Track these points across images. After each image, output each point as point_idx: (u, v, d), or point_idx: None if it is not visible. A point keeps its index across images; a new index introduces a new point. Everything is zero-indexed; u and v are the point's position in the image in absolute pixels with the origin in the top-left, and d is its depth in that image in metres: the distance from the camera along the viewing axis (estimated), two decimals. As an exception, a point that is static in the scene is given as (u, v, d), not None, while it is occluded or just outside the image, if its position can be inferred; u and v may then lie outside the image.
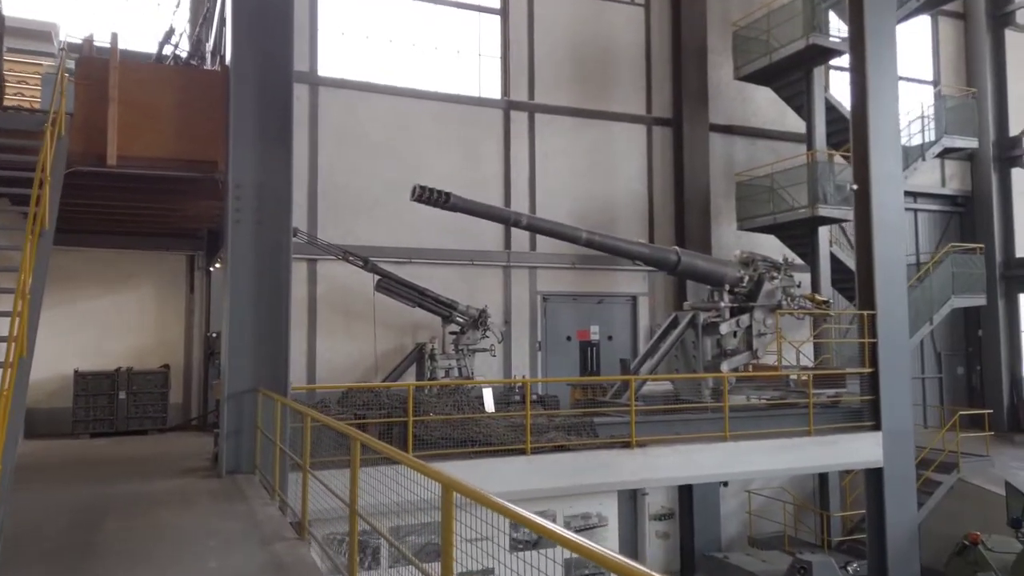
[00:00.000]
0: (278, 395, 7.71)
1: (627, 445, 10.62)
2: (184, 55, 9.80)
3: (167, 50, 9.87)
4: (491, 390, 12.92)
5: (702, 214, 17.37)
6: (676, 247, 13.20)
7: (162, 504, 7.15)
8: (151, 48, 10.78)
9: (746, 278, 12.78)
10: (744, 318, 12.70)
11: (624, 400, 11.61)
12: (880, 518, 12.65)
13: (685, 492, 15.26)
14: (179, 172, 8.87)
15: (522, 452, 10.09)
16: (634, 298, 17.20)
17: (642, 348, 15.75)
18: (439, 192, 10.56)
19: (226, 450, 8.59)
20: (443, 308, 13.98)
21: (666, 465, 10.94)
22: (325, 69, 14.71)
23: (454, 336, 14.10)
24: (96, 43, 9.41)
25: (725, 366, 12.35)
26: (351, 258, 13.35)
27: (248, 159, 8.76)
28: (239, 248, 8.75)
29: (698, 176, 17.44)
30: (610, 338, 16.87)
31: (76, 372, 12.29)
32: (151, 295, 13.51)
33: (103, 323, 13.04)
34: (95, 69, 8.53)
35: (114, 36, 8.56)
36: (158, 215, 11.22)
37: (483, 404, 12.38)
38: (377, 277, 13.50)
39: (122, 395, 12.46)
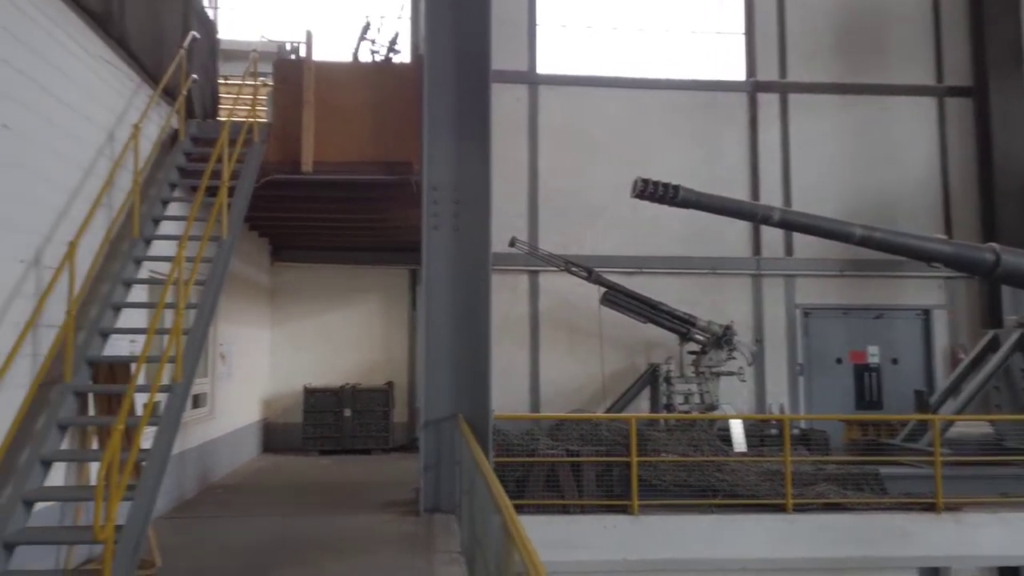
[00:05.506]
0: (468, 427, 6.51)
1: (931, 507, 8.08)
2: (382, 51, 9.25)
3: (364, 46, 9.39)
4: (741, 423, 10.77)
5: (1022, 204, 13.44)
6: (992, 244, 9.98)
7: (340, 550, 6.28)
8: (349, 49, 10.47)
9: (1105, 282, 9.22)
10: (1104, 337, 9.16)
11: (924, 445, 8.82)
12: None
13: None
14: (374, 176, 8.19)
15: (781, 509, 7.93)
16: (927, 312, 13.72)
17: (942, 376, 12.44)
18: (664, 185, 8.83)
19: (424, 485, 7.65)
20: (679, 324, 12.12)
21: (988, 539, 8.18)
22: (544, 66, 13.65)
23: (694, 356, 12.14)
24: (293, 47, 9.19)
25: (1076, 404, 8.93)
26: (574, 269, 12.05)
27: (444, 158, 7.90)
28: (436, 258, 7.87)
29: (1014, 156, 13.59)
30: (895, 362, 13.60)
31: (305, 388, 12.37)
32: (376, 310, 13.36)
33: (332, 339, 13.09)
34: (290, 72, 8.15)
35: (308, 35, 8.12)
36: (370, 227, 10.85)
37: (729, 441, 10.30)
38: (602, 289, 12.03)
39: (347, 412, 12.31)
